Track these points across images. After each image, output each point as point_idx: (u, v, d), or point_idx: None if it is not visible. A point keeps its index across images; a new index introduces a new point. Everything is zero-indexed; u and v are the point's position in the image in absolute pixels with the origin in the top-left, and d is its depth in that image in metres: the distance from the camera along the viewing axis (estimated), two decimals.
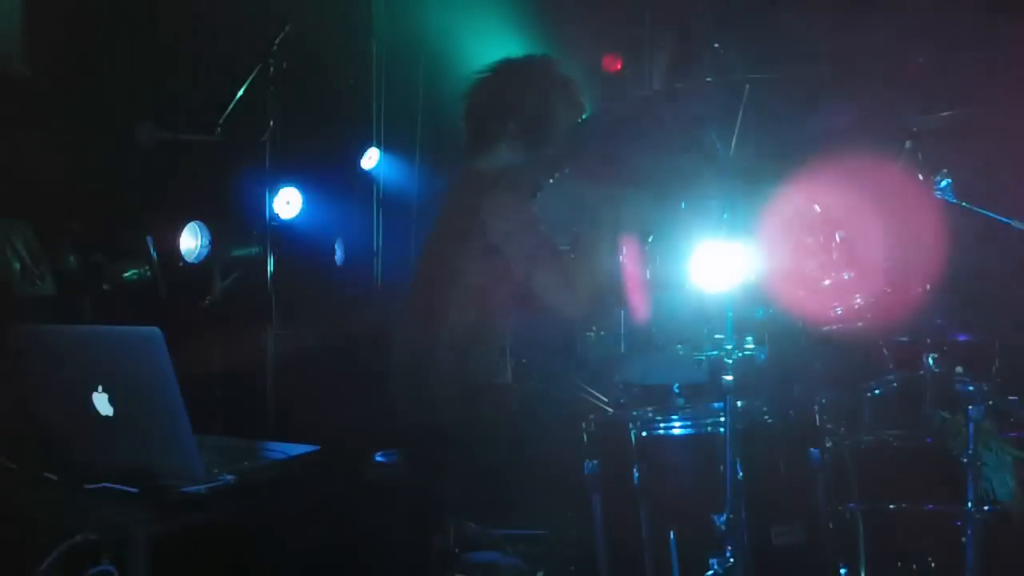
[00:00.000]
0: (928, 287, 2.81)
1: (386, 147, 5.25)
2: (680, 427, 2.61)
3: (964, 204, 2.85)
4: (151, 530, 2.01)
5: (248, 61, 3.98)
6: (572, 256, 2.94)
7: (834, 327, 2.83)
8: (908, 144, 2.89)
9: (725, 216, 2.59)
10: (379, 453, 2.93)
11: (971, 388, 2.52)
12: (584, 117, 3.13)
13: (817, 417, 2.68)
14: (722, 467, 2.42)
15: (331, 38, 4.86)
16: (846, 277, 2.80)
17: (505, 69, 3.11)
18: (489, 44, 4.42)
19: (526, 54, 3.16)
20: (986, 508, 2.51)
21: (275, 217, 4.16)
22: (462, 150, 3.12)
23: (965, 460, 2.51)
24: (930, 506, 2.64)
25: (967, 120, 2.96)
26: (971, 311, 2.87)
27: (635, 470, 2.54)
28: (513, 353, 3.12)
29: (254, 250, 4.09)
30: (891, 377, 2.84)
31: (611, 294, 3.01)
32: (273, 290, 3.96)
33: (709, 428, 2.57)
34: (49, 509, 2.19)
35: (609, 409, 2.98)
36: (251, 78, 3.94)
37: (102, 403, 2.21)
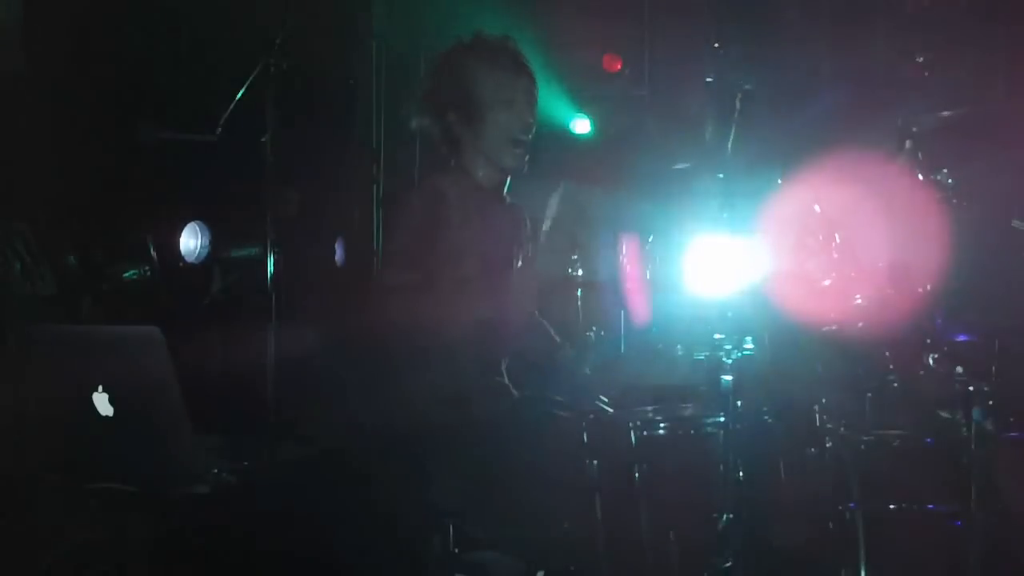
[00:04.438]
0: (928, 287, 2.81)
1: (386, 147, 5.25)
2: (680, 427, 2.61)
3: (964, 204, 2.85)
4: (151, 530, 2.01)
5: (248, 61, 3.97)
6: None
7: (834, 327, 2.82)
8: (908, 144, 2.88)
9: (725, 215, 2.58)
10: (379, 453, 2.93)
11: (971, 388, 2.52)
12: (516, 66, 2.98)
13: (817, 417, 2.68)
14: (722, 467, 2.42)
15: (331, 38, 4.86)
16: (846, 277, 2.80)
17: (424, 76, 3.07)
18: None
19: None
20: (986, 508, 2.51)
21: (275, 217, 4.16)
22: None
23: (965, 460, 2.51)
24: (930, 506, 2.64)
25: (967, 120, 2.96)
26: (971, 311, 2.86)
27: (635, 470, 2.54)
28: (514, 354, 3.12)
29: (254, 250, 4.09)
30: (891, 377, 2.84)
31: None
32: (273, 290, 3.95)
33: (709, 428, 2.57)
34: (49, 509, 2.19)
35: (609, 409, 2.98)
36: (251, 78, 3.93)
37: (102, 403, 2.21)
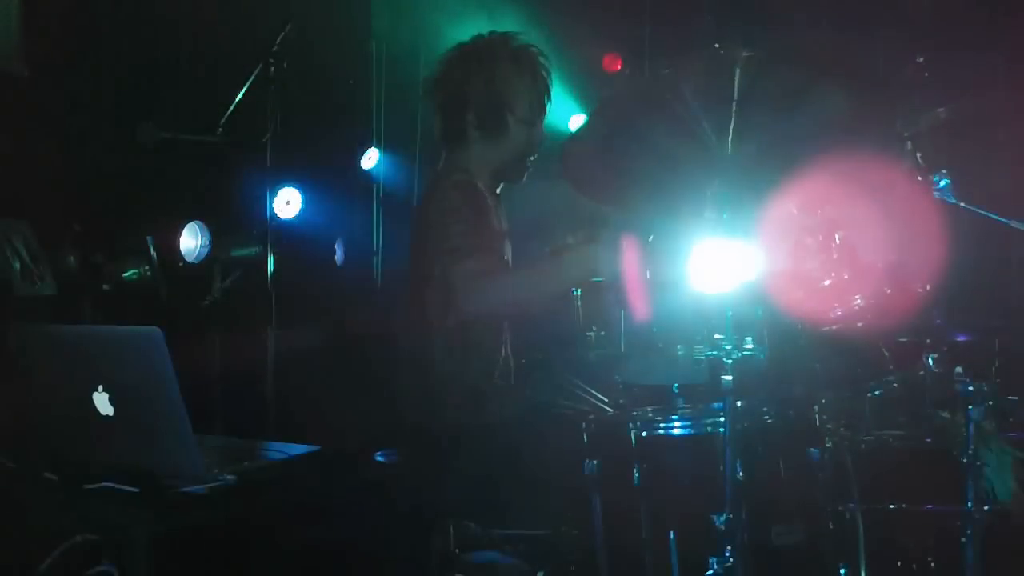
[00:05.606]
0: (928, 287, 2.81)
1: (386, 147, 5.25)
2: (680, 427, 2.60)
3: (964, 204, 2.85)
4: (151, 530, 2.01)
5: (248, 61, 3.97)
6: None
7: (834, 327, 2.82)
8: (908, 144, 2.89)
9: (725, 215, 2.58)
10: (379, 453, 2.93)
11: (971, 388, 2.52)
12: (549, 88, 3.04)
13: (817, 417, 2.68)
14: (722, 467, 2.42)
15: (331, 38, 4.87)
16: (846, 277, 2.80)
17: (452, 59, 3.02)
18: None
19: (473, 36, 3.06)
20: (986, 508, 2.51)
21: (275, 217, 4.16)
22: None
23: (965, 460, 2.51)
24: (930, 506, 2.64)
25: (967, 120, 2.96)
26: (971, 311, 2.86)
27: (635, 470, 2.54)
28: (514, 353, 3.12)
29: (254, 250, 4.09)
30: (891, 377, 2.83)
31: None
32: (273, 290, 3.96)
33: (709, 428, 2.57)
34: (49, 509, 2.19)
35: (609, 409, 2.98)
36: (251, 78, 3.94)
37: (102, 403, 2.21)
